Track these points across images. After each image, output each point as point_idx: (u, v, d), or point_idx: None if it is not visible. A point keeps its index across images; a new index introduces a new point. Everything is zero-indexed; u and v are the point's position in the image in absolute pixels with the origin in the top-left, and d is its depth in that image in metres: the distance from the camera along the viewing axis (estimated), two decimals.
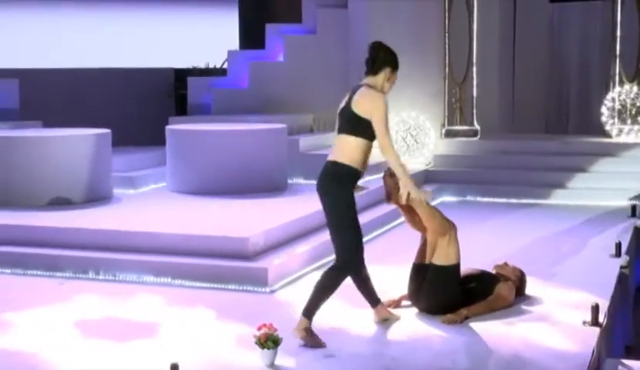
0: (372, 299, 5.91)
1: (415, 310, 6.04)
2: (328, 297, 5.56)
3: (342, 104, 5.66)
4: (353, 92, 5.62)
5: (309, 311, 5.49)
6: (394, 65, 5.69)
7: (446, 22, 12.53)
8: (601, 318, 5.71)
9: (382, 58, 5.66)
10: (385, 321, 5.84)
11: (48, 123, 11.10)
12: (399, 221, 8.80)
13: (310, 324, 5.46)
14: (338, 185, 5.52)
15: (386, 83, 5.66)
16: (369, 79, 5.66)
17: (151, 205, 8.87)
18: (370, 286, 5.90)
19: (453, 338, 5.50)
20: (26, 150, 8.80)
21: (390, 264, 7.17)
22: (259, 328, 5.04)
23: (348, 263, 5.58)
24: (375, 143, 5.50)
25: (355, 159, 5.51)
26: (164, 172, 10.00)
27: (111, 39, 14.98)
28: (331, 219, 5.59)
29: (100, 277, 7.11)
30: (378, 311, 5.88)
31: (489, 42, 12.95)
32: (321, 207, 5.66)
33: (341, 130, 5.59)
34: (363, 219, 8.69)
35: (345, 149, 5.52)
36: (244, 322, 5.80)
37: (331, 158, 5.59)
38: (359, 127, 5.49)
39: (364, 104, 5.49)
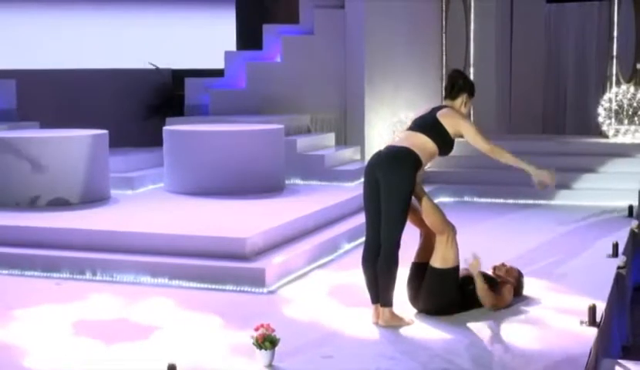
0: (377, 295, 5.90)
1: (413, 310, 6.03)
2: (395, 279, 5.74)
3: (420, 113, 6.05)
4: (436, 108, 6.00)
5: (388, 299, 5.73)
6: (471, 92, 6.09)
7: (444, 23, 12.54)
8: (599, 319, 5.71)
9: (460, 85, 6.06)
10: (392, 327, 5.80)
11: (46, 124, 11.09)
12: None
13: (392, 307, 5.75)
14: (403, 167, 5.71)
15: (463, 108, 6.05)
16: (448, 102, 6.06)
17: (148, 206, 8.86)
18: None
19: (450, 339, 5.49)
20: (24, 151, 8.79)
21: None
22: (256, 329, 5.03)
23: (394, 247, 5.71)
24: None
25: (420, 151, 5.77)
26: (162, 172, 9.99)
27: (108, 40, 14.96)
28: (388, 201, 5.69)
29: (97, 278, 7.10)
30: (384, 313, 5.83)
31: (486, 43, 12.96)
32: (366, 189, 5.83)
33: (413, 129, 5.94)
34: (361, 219, 8.76)
35: (413, 140, 5.82)
36: (241, 323, 5.79)
37: (395, 144, 5.88)
38: (436, 132, 5.84)
39: (451, 117, 5.88)
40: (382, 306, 5.77)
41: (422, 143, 5.82)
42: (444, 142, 5.89)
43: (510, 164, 6.01)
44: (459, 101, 6.04)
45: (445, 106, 6.03)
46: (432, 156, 5.93)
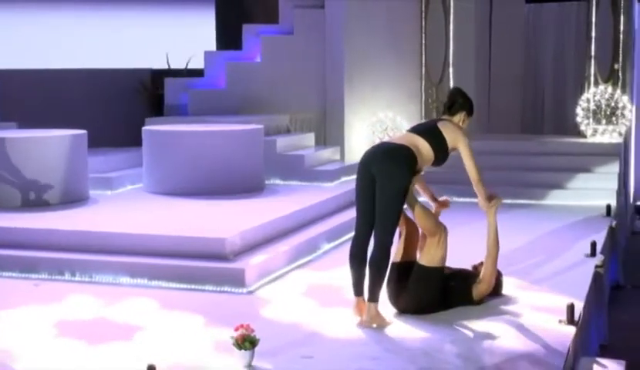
0: (362, 289, 5.92)
1: (393, 310, 6.04)
2: (385, 275, 5.82)
3: (420, 121, 6.24)
4: (436, 119, 6.21)
5: (375, 295, 5.72)
6: (470, 111, 6.24)
7: (423, 23, 12.57)
8: (577, 317, 5.75)
9: (460, 103, 6.20)
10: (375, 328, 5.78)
11: (24, 124, 11.02)
12: None
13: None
14: (401, 163, 5.77)
15: (461, 124, 6.17)
16: (447, 118, 6.18)
17: (128, 206, 8.83)
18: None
19: (431, 338, 5.51)
20: (1, 151, 8.73)
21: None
22: (236, 329, 5.03)
23: (387, 243, 5.74)
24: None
25: (418, 153, 5.84)
26: (141, 173, 9.96)
27: (88, 40, 14.88)
28: (384, 196, 5.72)
29: (76, 279, 7.07)
30: (369, 308, 5.80)
31: (465, 43, 13.00)
32: (359, 185, 5.88)
33: (412, 131, 6.08)
34: (345, 217, 8.80)
35: (411, 140, 5.92)
36: (221, 323, 5.79)
37: (392, 141, 6.00)
38: (435, 139, 5.94)
39: (452, 130, 6.01)
40: (368, 301, 5.77)
41: (420, 146, 5.90)
42: (441, 150, 5.97)
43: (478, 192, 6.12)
44: (458, 118, 6.16)
45: (444, 119, 6.15)
46: (428, 161, 5.98)
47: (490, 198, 6.14)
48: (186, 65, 14.13)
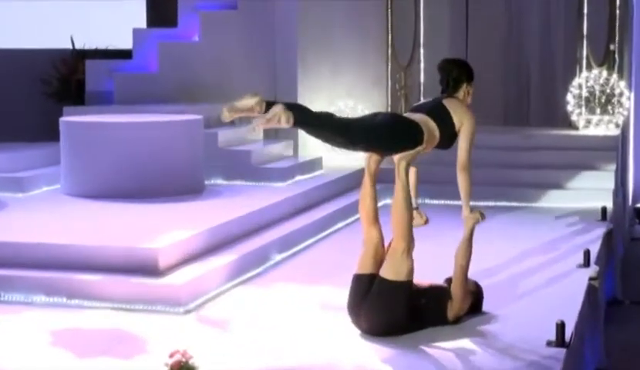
0: None
1: (357, 331, 6.06)
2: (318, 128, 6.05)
3: (422, 101, 6.56)
4: (438, 97, 6.36)
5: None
6: (469, 77, 6.38)
7: None
8: (568, 338, 5.80)
9: (456, 77, 6.36)
10: None
11: None
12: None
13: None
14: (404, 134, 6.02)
15: (468, 98, 6.38)
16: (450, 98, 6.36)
17: (42, 211, 8.76)
18: None
19: (396, 364, 5.52)
20: None
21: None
22: (171, 355, 5.01)
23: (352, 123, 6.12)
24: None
25: (425, 129, 6.04)
26: (58, 172, 9.89)
27: None
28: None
29: None
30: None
31: (438, 21, 13.08)
32: None
33: (417, 111, 6.27)
34: (299, 223, 8.80)
35: (416, 117, 6.10)
36: (153, 348, 5.76)
37: None
38: (440, 118, 6.14)
39: (459, 106, 6.24)
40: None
41: (426, 122, 6.08)
42: (447, 130, 6.15)
43: (462, 194, 6.34)
44: (462, 93, 6.36)
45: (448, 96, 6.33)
46: (432, 141, 6.13)
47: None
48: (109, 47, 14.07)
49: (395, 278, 5.92)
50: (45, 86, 13.71)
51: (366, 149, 6.07)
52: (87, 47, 14.20)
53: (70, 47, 14.24)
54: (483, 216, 6.35)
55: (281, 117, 5.63)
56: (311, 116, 5.87)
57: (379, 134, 5.96)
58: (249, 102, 5.84)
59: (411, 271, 5.97)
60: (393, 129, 5.99)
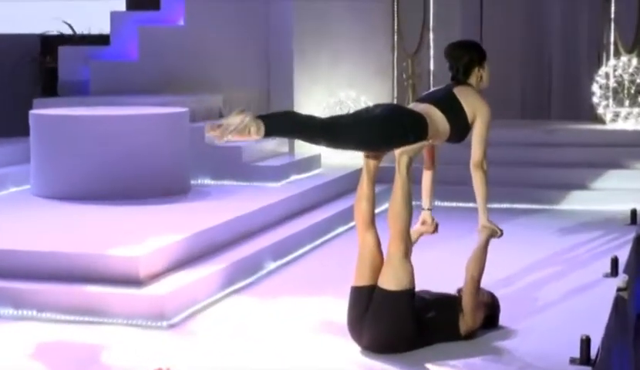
0: None
1: (357, 348, 6.06)
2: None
3: (431, 90, 6.53)
4: (449, 85, 6.37)
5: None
6: (481, 59, 6.40)
7: None
8: (594, 354, 5.80)
9: (466, 63, 6.36)
10: None
11: None
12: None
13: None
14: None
15: (482, 81, 6.42)
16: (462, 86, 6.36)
17: (10, 214, 8.77)
18: None
19: None
20: None
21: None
22: None
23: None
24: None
25: (430, 121, 6.04)
26: (28, 171, 9.89)
27: None
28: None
29: None
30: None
31: (449, 4, 13.08)
32: None
33: (423, 101, 6.28)
34: (295, 228, 8.80)
35: (423, 108, 6.11)
36: (134, 367, 5.76)
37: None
38: (450, 109, 6.16)
39: (472, 94, 6.27)
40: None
41: (432, 113, 6.09)
42: (458, 122, 6.16)
43: (478, 198, 6.33)
44: (474, 79, 6.38)
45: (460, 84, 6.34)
46: (441, 135, 6.15)
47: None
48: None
49: (397, 288, 5.90)
50: (26, 73, 13.75)
51: (357, 149, 6.10)
52: (61, 32, 14.21)
53: (36, 32, 14.26)
54: (500, 233, 6.38)
55: (250, 128, 5.53)
56: (288, 123, 5.82)
57: (369, 130, 5.93)
58: (236, 119, 5.55)
59: (412, 277, 5.96)
60: (388, 122, 5.96)
